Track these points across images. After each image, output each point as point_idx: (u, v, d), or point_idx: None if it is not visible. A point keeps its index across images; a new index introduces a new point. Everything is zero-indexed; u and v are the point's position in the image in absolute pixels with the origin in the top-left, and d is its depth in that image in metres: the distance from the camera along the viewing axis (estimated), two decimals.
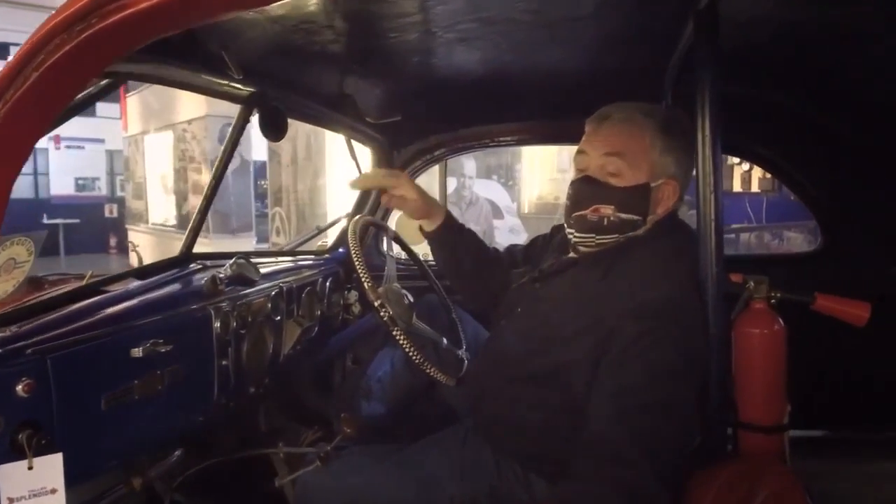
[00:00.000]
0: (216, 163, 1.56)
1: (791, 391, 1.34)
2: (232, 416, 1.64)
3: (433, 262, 2.02)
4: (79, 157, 14.19)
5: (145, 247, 9.64)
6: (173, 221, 9.27)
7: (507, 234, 5.65)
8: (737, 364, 1.32)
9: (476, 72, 1.72)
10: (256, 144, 8.53)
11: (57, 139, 13.98)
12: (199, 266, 1.57)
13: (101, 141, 14.25)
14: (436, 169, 2.41)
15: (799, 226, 6.76)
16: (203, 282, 1.42)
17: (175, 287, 1.39)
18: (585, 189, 1.31)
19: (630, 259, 1.29)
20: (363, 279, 1.40)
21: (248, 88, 1.47)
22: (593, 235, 1.31)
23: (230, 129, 1.54)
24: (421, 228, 1.65)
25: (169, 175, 9.36)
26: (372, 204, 2.27)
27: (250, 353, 1.55)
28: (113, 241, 13.46)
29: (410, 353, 1.42)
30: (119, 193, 13.50)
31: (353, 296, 2.24)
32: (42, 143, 13.67)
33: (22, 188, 14.03)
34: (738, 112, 1.50)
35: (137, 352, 1.16)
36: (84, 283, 1.27)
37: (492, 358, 1.48)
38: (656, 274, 1.25)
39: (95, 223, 13.54)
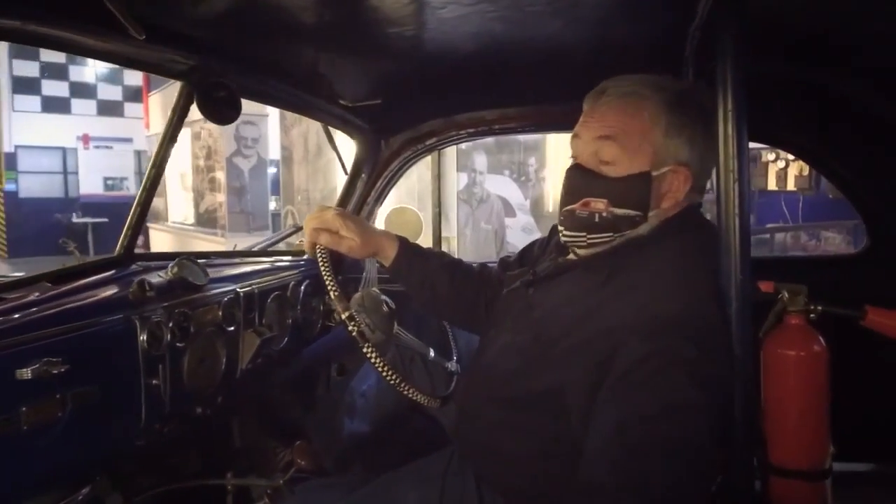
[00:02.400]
0: (156, 149, 1.36)
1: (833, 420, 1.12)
2: (184, 441, 1.45)
3: None
4: (107, 157, 14.34)
5: (165, 245, 9.63)
6: (192, 220, 9.24)
7: (520, 232, 5.39)
8: (767, 393, 1.10)
9: (466, 47, 1.50)
10: (274, 143, 8.42)
11: (86, 139, 14.17)
12: (140, 268, 1.37)
13: (130, 140, 14.40)
14: (427, 163, 2.20)
15: (837, 225, 6.52)
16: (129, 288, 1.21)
17: (96, 293, 1.19)
18: (575, 180, 1.11)
19: (639, 262, 1.08)
20: (329, 285, 1.20)
21: (187, 62, 1.26)
22: (584, 234, 1.11)
23: (170, 118, 1.32)
24: (381, 265, 1.42)
25: (188, 173, 9.32)
26: (357, 200, 2.06)
27: (194, 370, 1.34)
28: (140, 240, 13.58)
29: (384, 373, 1.23)
30: None
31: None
32: (71, 142, 13.91)
33: (52, 187, 14.24)
34: (770, 93, 1.29)
35: (25, 373, 0.96)
36: None
37: (476, 375, 1.29)
38: (670, 281, 1.04)
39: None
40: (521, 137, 5.22)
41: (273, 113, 7.71)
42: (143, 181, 1.36)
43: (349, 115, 1.83)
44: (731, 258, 0.97)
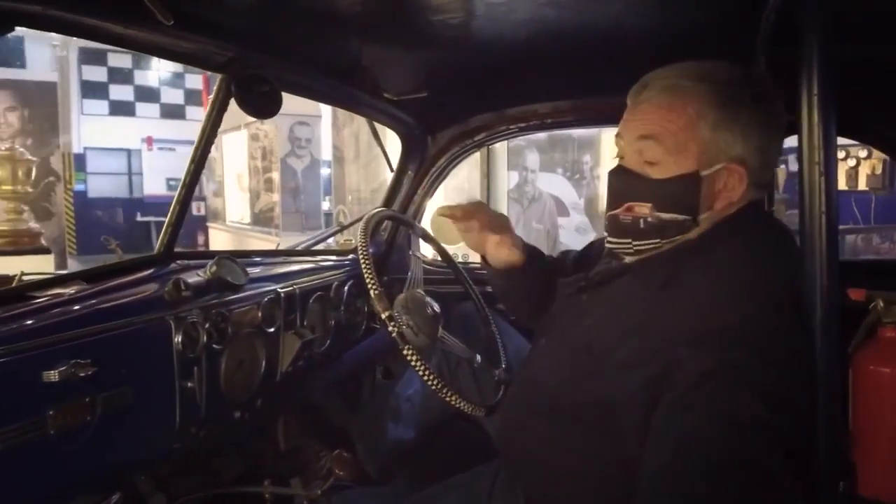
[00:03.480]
0: (195, 144, 1.32)
1: None
2: (223, 445, 1.41)
3: (476, 265, 1.76)
4: (170, 158, 14.80)
5: (224, 244, 9.84)
6: (248, 219, 9.42)
7: (574, 232, 5.25)
8: (857, 415, 1.00)
9: (517, 35, 1.42)
10: (327, 143, 8.48)
11: (150, 141, 14.66)
12: (179, 267, 1.34)
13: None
14: (475, 160, 2.11)
15: None
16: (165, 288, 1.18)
17: (130, 293, 1.15)
18: (618, 183, 1.05)
19: (697, 267, 0.99)
20: (370, 284, 1.15)
21: (224, 53, 1.21)
22: (629, 241, 1.04)
23: (209, 113, 1.28)
24: (485, 260, 1.44)
25: (244, 173, 9.50)
26: (403, 198, 1.99)
27: (231, 372, 1.30)
28: (201, 239, 13.97)
29: (425, 377, 1.17)
30: (205, 192, 14.01)
31: None
32: (136, 144, 14.44)
33: (119, 188, 14.83)
34: (855, 82, 1.16)
35: (53, 375, 0.93)
36: (13, 285, 1.05)
37: (522, 385, 1.23)
38: (732, 287, 0.95)
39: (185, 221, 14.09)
40: (575, 133, 5.07)
41: (325, 113, 7.77)
42: (183, 178, 1.33)
43: (394, 110, 1.77)
44: (816, 262, 0.86)
